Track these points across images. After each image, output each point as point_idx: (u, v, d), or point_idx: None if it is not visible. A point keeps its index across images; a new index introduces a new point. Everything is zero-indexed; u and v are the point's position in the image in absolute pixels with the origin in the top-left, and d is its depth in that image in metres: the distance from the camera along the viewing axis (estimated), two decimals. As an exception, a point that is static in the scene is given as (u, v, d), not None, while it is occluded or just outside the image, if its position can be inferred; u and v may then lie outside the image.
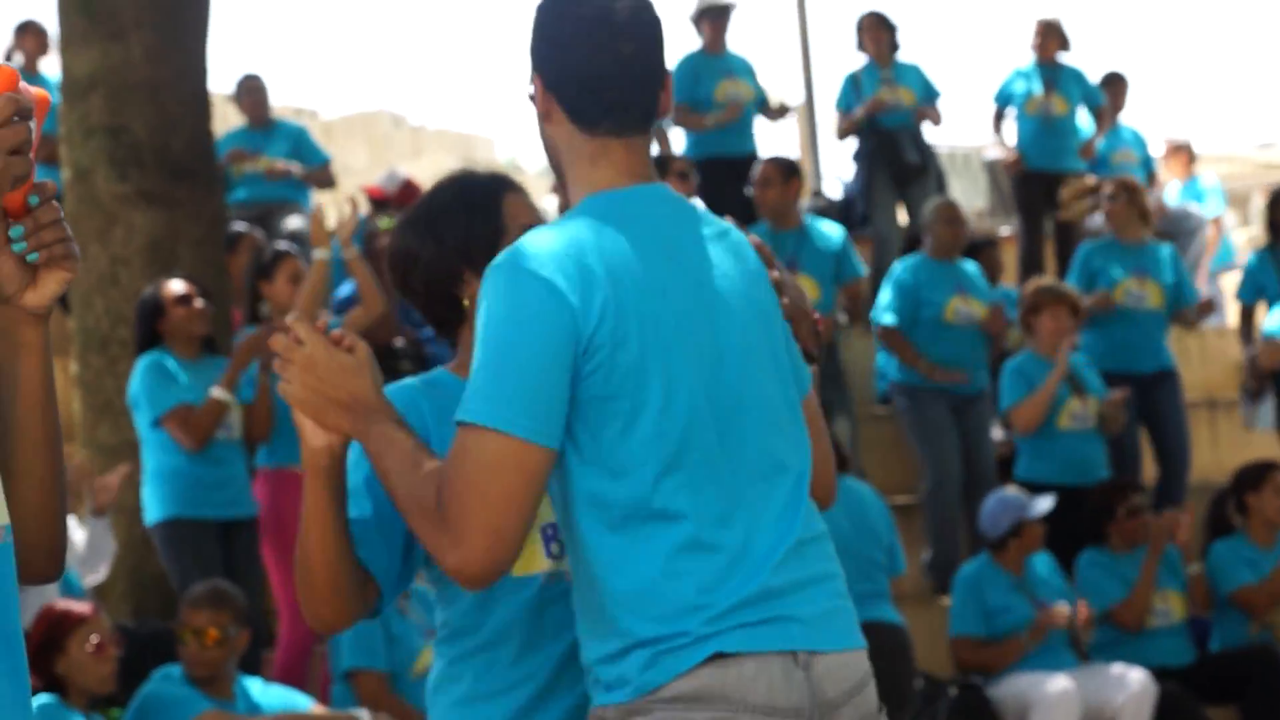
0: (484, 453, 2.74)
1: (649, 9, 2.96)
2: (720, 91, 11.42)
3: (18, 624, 2.28)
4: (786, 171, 9.73)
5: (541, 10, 2.95)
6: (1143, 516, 8.88)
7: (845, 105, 11.75)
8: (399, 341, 9.30)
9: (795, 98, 15.43)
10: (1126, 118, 12.97)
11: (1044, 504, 8.45)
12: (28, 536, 2.36)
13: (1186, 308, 10.13)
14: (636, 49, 2.92)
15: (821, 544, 2.96)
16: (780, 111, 11.78)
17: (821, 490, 3.13)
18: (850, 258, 9.64)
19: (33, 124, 2.21)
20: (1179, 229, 12.97)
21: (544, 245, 2.82)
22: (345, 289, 9.63)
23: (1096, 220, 12.05)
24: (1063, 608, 8.29)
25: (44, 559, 2.40)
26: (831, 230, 9.71)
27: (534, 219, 3.13)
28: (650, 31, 2.95)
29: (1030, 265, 11.73)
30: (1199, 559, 9.10)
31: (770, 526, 2.87)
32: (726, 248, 2.99)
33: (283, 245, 8.59)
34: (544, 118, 2.98)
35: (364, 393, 2.87)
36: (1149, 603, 8.74)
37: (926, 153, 11.70)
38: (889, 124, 11.50)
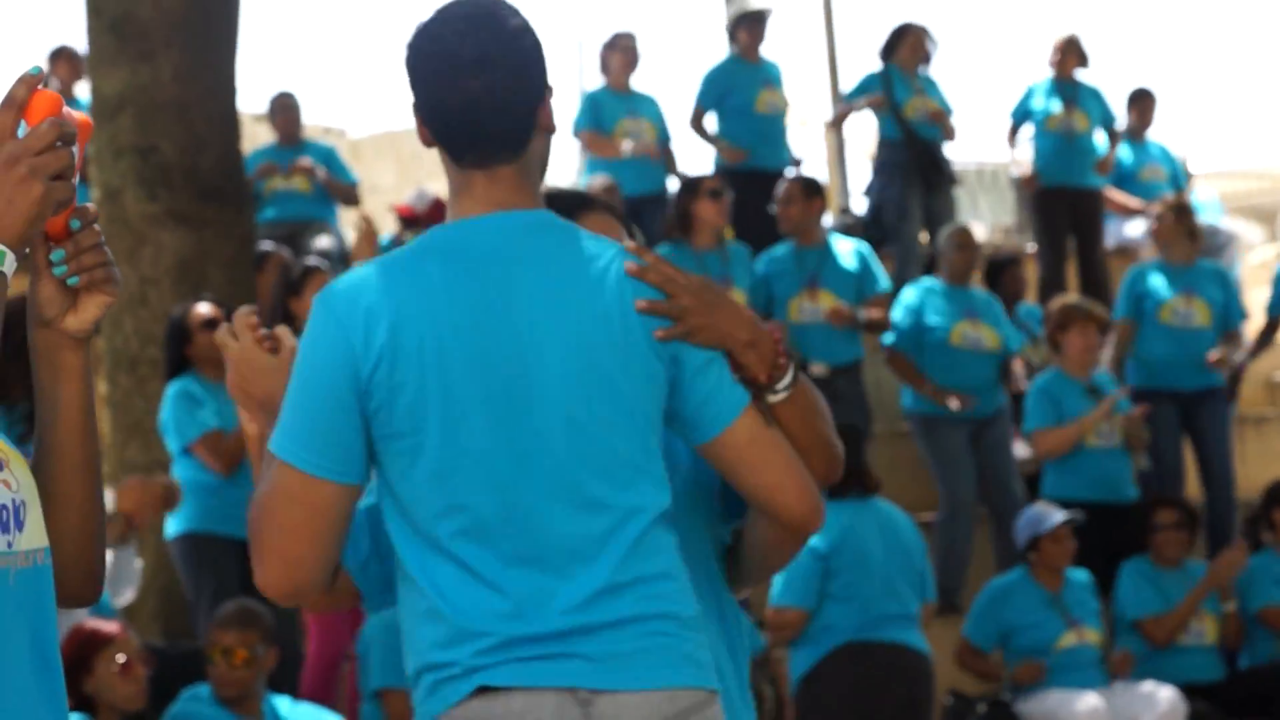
0: (278, 483, 2.86)
1: (510, 39, 2.90)
2: (761, 102, 11.40)
3: (56, 647, 2.31)
4: (808, 190, 9.74)
5: (406, 47, 2.97)
6: (1182, 533, 8.89)
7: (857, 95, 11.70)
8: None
9: (823, 113, 15.45)
10: (1154, 134, 12.93)
11: (1057, 516, 8.44)
12: (66, 560, 2.38)
13: (1233, 330, 10.13)
14: (487, 83, 2.88)
15: (653, 585, 2.86)
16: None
17: (789, 516, 3.00)
18: (873, 273, 9.65)
19: (75, 149, 2.23)
20: (1209, 245, 12.95)
21: (346, 282, 2.90)
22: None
23: (1141, 239, 12.04)
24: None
25: (82, 582, 2.41)
26: (854, 248, 9.72)
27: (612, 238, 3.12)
28: (509, 61, 2.90)
29: (1051, 283, 11.68)
30: (1235, 595, 9.08)
31: (571, 567, 2.82)
32: (580, 280, 2.90)
33: (312, 261, 8.61)
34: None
35: (275, 394, 2.95)
36: (1184, 624, 8.74)
37: (947, 165, 11.69)
38: (926, 135, 11.46)
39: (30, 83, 2.23)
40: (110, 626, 6.25)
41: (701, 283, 2.94)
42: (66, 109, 2.26)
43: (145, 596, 8.03)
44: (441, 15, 2.93)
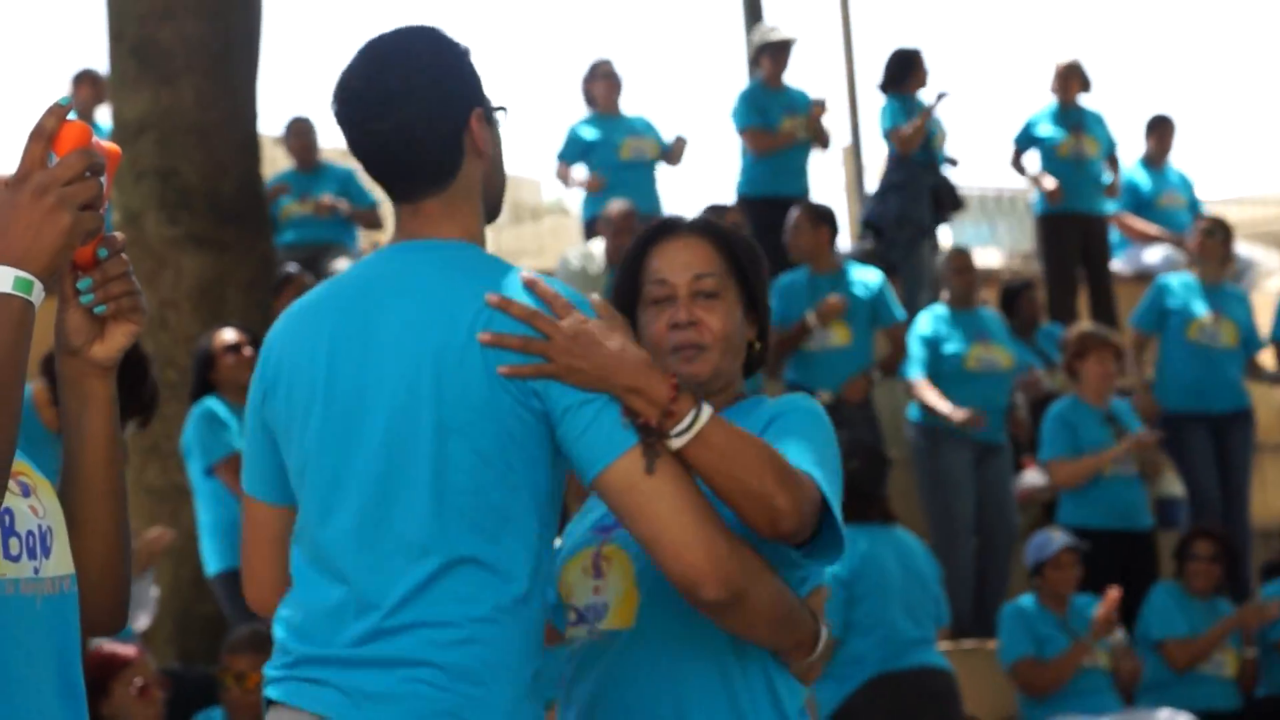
0: (243, 507, 3.06)
1: (419, 72, 2.88)
2: (782, 128, 11.43)
3: (80, 673, 2.32)
4: (816, 217, 9.74)
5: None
6: (1215, 566, 8.90)
7: (892, 124, 11.70)
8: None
9: (841, 139, 15.46)
10: (1173, 160, 12.92)
11: (1058, 542, 8.45)
12: (91, 588, 2.39)
13: (1254, 354, 10.14)
14: (396, 123, 2.86)
15: (433, 631, 2.76)
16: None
17: (667, 573, 2.79)
18: (888, 302, 9.65)
19: (104, 179, 2.24)
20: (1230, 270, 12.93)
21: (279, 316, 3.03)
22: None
23: (1159, 265, 12.03)
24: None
25: (108, 611, 2.43)
26: (870, 276, 9.72)
27: (679, 268, 3.12)
28: (418, 96, 2.87)
29: (1060, 310, 11.67)
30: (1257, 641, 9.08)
31: (367, 600, 2.79)
32: (438, 310, 2.83)
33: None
34: None
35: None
36: (1207, 654, 8.75)
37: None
38: (935, 158, 11.45)
39: (59, 113, 2.23)
40: (127, 650, 6.27)
41: (577, 324, 2.79)
42: (95, 139, 2.27)
43: (161, 621, 8.04)
44: (355, 58, 2.93)
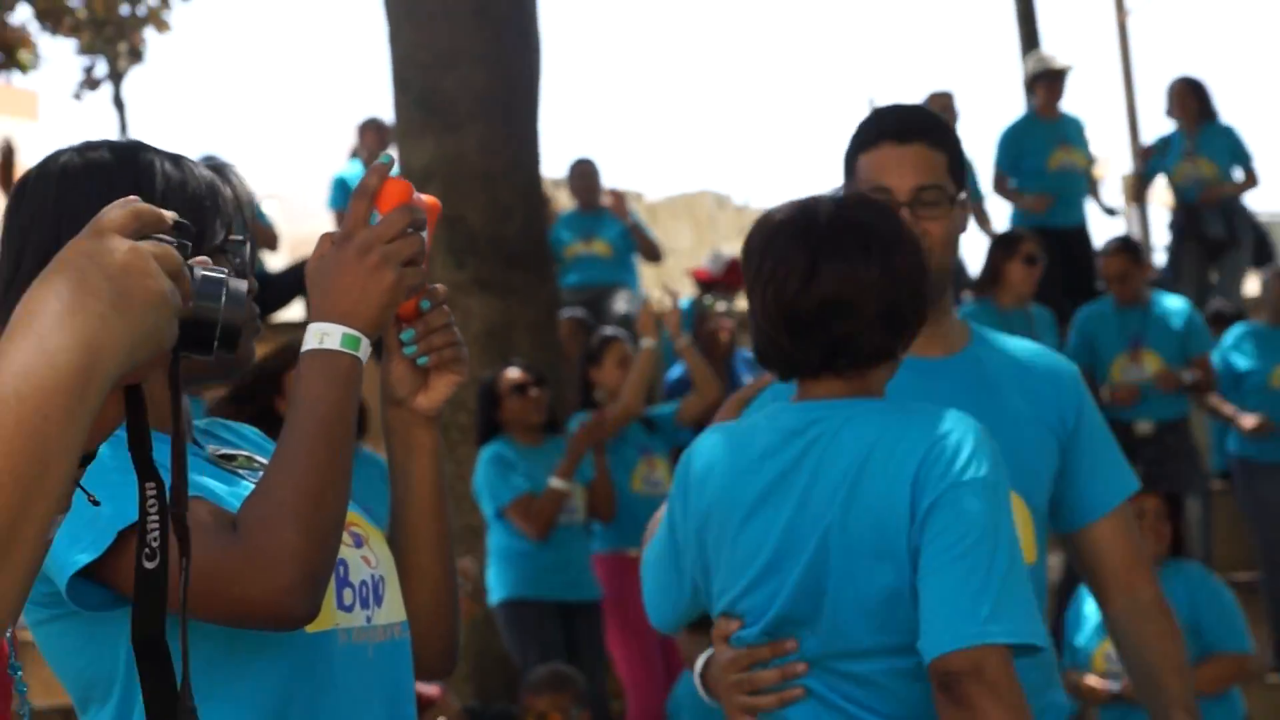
0: None
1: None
2: (1054, 160, 11.28)
3: (413, 718, 2.36)
4: (1131, 252, 9.60)
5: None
6: None
7: (1153, 170, 11.51)
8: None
9: (1123, 168, 15.23)
10: None
11: None
12: (421, 633, 2.43)
13: None
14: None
15: None
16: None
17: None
18: (1198, 332, 9.46)
19: (425, 234, 2.28)
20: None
21: None
22: (675, 371, 9.71)
23: None
24: None
25: (438, 655, 2.46)
26: (1178, 305, 9.55)
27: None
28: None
29: None
30: None
31: None
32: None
33: (609, 330, 8.70)
34: None
35: None
36: None
37: (1236, 224, 11.39)
38: (1190, 197, 11.26)
39: (382, 171, 2.27)
40: (431, 690, 6.36)
41: None
42: (416, 195, 2.31)
43: (460, 659, 8.14)
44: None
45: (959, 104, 11.54)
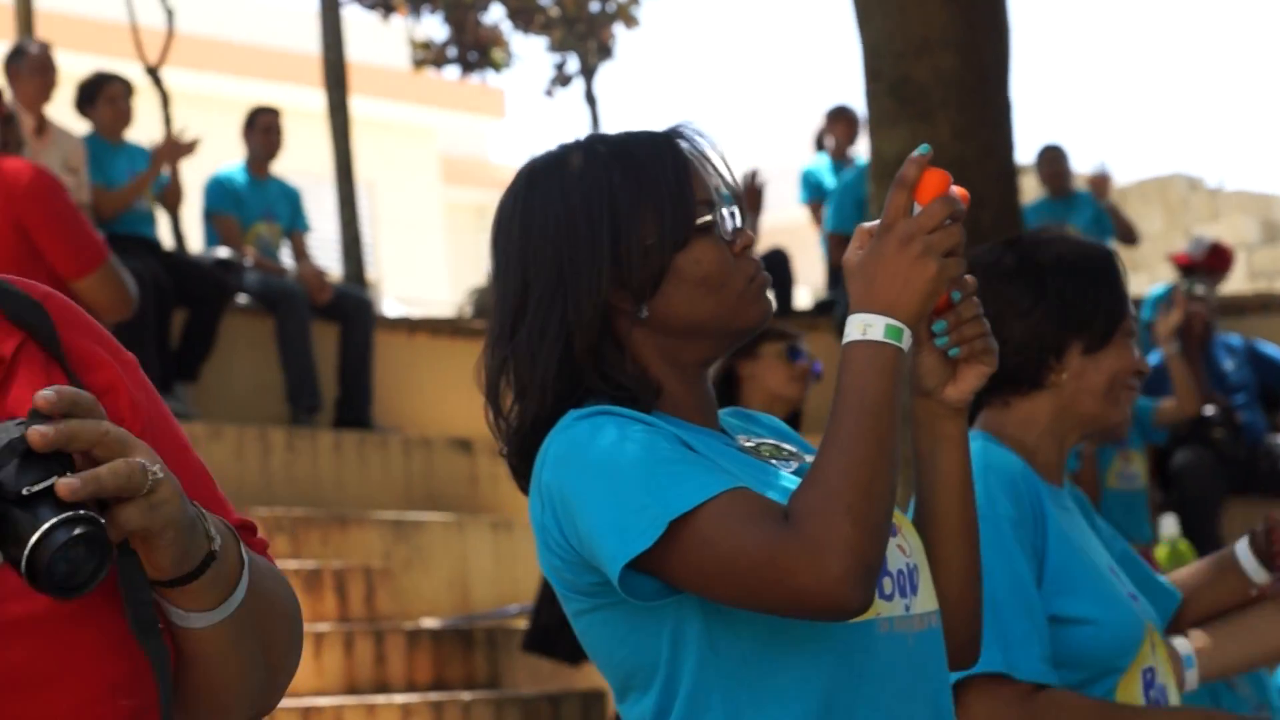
0: None
1: None
2: None
3: (950, 708, 2.37)
4: None
5: None
6: None
7: None
8: (1209, 409, 9.13)
9: None
10: None
11: None
12: (947, 623, 2.43)
13: None
14: None
15: None
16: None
17: None
18: None
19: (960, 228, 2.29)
20: None
21: None
22: (1153, 358, 9.51)
23: None
24: None
25: (962, 646, 2.47)
26: None
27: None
28: None
29: None
30: None
31: None
32: None
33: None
34: None
35: None
36: None
37: None
38: None
39: (920, 163, 2.28)
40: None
41: None
42: (954, 187, 2.31)
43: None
44: None
45: None
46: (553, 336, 2.31)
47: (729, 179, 2.40)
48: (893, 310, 2.24)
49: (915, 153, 2.32)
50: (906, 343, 2.24)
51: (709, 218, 2.35)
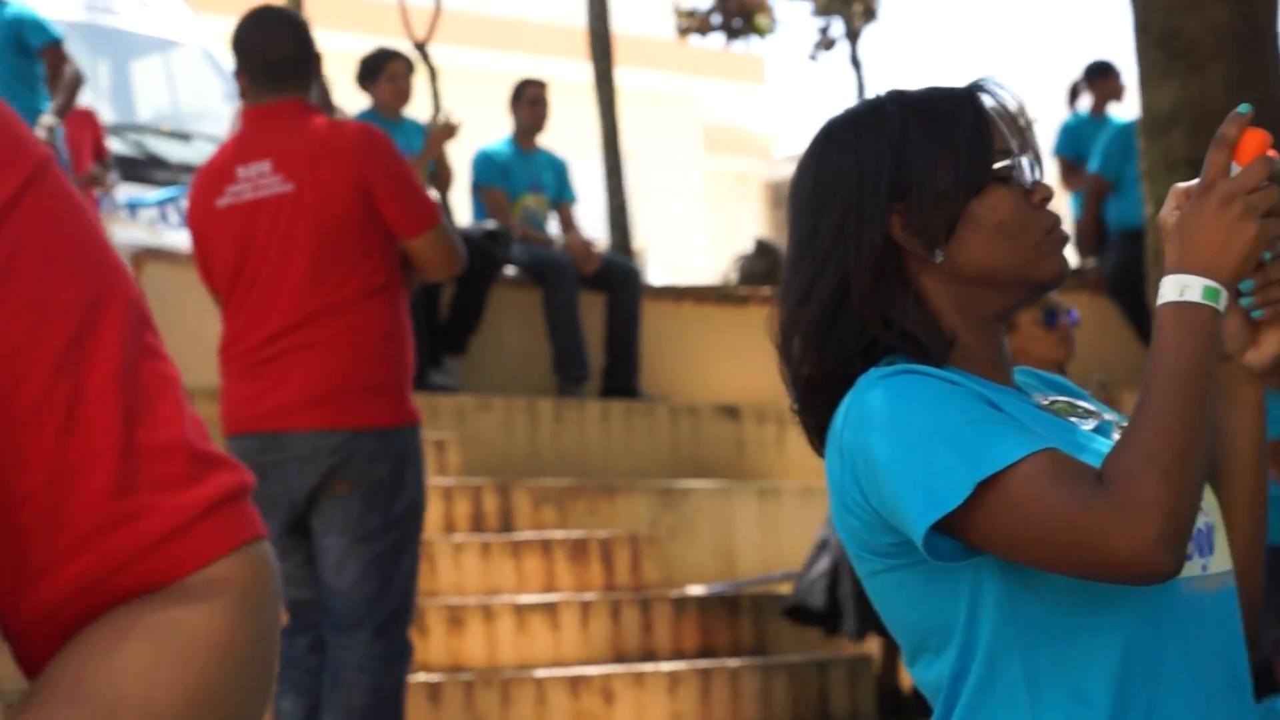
0: None
1: None
2: None
3: (1246, 670, 2.35)
4: None
5: None
6: None
7: None
8: None
9: None
10: None
11: None
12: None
13: None
14: None
15: None
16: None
17: None
18: None
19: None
20: None
21: None
22: None
23: None
24: None
25: (1244, 614, 2.43)
26: None
27: None
28: None
29: None
30: None
31: None
32: None
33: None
34: None
35: None
36: None
37: None
38: None
39: (1241, 122, 2.26)
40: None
41: None
42: (1273, 149, 2.27)
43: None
44: None
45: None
46: (835, 284, 2.32)
47: (1029, 133, 2.39)
48: (1210, 271, 2.23)
49: (1236, 111, 2.28)
50: (1223, 305, 2.24)
51: (1007, 163, 2.34)
